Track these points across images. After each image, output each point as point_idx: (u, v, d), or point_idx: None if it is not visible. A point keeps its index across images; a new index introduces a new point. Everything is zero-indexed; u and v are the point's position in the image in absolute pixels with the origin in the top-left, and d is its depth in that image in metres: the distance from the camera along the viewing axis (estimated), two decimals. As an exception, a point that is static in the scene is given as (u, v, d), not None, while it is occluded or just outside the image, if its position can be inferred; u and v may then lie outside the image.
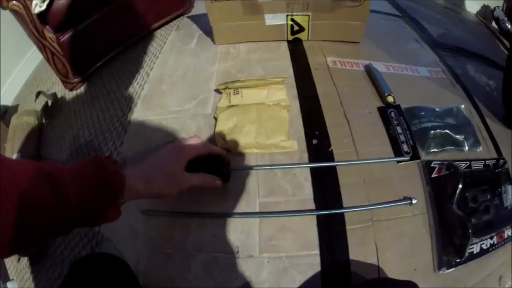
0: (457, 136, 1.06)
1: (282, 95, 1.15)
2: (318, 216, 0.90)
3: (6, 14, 1.37)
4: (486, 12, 2.14)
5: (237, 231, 0.91)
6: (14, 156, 1.35)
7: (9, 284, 1.11)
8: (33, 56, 2.06)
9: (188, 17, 1.83)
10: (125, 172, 0.64)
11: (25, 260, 1.16)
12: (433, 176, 0.98)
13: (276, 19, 1.36)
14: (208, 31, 1.52)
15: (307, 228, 0.89)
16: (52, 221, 0.52)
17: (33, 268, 1.13)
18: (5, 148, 1.42)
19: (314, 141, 1.04)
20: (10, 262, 1.21)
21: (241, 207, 0.95)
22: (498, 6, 2.02)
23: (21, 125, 1.47)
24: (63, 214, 0.53)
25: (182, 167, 0.77)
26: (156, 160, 0.76)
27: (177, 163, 0.77)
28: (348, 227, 0.88)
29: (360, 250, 0.86)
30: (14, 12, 1.32)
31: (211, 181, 0.85)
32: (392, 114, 1.10)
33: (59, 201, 0.52)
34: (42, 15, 1.36)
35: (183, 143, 0.83)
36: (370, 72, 1.25)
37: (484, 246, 0.89)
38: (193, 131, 1.14)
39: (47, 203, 0.51)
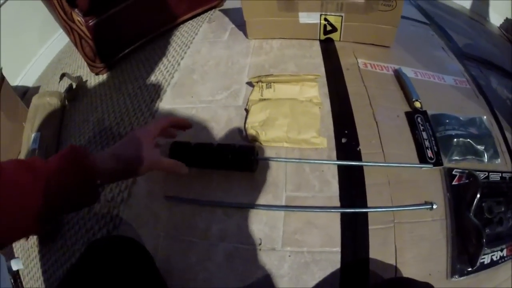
0: (479, 147, 1.08)
1: (315, 92, 1.17)
2: (343, 214, 0.93)
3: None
4: (508, 26, 2.13)
5: (262, 223, 0.93)
6: (33, 136, 1.36)
7: (13, 263, 1.08)
8: (57, 40, 2.10)
9: (220, 10, 1.84)
10: (94, 155, 0.69)
11: (33, 239, 1.16)
12: (453, 183, 1.00)
13: (310, 18, 1.39)
14: (240, 25, 1.54)
15: (331, 225, 0.91)
16: (34, 208, 0.56)
17: (41, 247, 1.13)
18: (24, 127, 1.44)
19: (343, 140, 1.06)
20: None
21: (268, 199, 0.97)
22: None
23: (43, 105, 1.49)
24: (44, 199, 0.57)
25: (149, 141, 0.80)
26: (122, 141, 0.79)
27: (143, 139, 0.79)
28: (370, 227, 0.91)
29: (380, 250, 0.88)
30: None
31: (179, 166, 0.87)
32: (419, 120, 1.12)
33: (39, 186, 0.57)
34: None
35: (148, 126, 0.85)
36: (399, 77, 1.27)
37: (494, 258, 0.91)
38: (223, 122, 1.17)
39: (27, 189, 0.56)
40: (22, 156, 1.34)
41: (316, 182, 0.99)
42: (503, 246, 0.93)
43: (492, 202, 0.97)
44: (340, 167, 1.01)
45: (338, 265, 0.86)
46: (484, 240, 0.87)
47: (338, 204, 0.95)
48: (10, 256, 1.16)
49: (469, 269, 0.89)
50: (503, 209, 0.97)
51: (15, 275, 1.11)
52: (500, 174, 1.05)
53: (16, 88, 1.84)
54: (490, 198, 0.97)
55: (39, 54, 2.07)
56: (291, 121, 1.07)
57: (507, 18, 2.14)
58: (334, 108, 1.16)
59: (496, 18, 2.23)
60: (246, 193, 0.98)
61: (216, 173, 1.02)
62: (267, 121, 1.08)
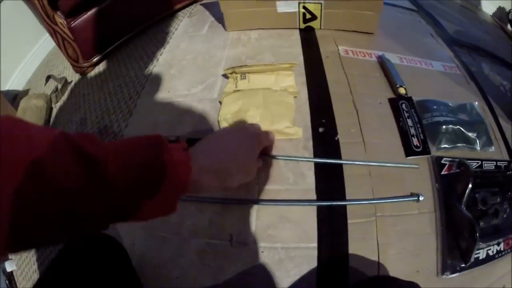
0: (470, 134, 1.02)
1: (290, 82, 1.12)
2: (319, 208, 0.87)
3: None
4: (502, 14, 2.09)
5: (234, 218, 0.89)
6: None
7: (7, 264, 1.09)
8: (46, 42, 2.07)
9: (202, 4, 1.82)
10: (194, 165, 0.54)
11: None
12: (443, 173, 0.94)
13: (288, 7, 1.33)
14: (220, 18, 1.50)
15: (307, 220, 0.86)
16: (81, 213, 0.41)
17: None
18: None
19: (321, 129, 1.01)
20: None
21: (240, 193, 0.92)
22: (513, 9, 1.97)
23: (30, 108, 1.48)
24: (101, 204, 0.43)
25: (256, 157, 0.72)
26: (232, 149, 0.67)
27: (253, 154, 0.71)
28: (349, 221, 0.85)
29: (360, 246, 0.83)
30: (25, -1, 1.30)
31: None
32: (404, 106, 1.07)
33: (96, 187, 0.41)
34: (53, 1, 1.37)
35: (257, 131, 0.78)
36: (382, 63, 1.22)
37: (490, 252, 0.85)
38: (198, 115, 1.13)
39: (75, 188, 0.40)
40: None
41: (290, 175, 0.93)
42: (500, 240, 0.87)
43: (486, 193, 0.90)
44: (316, 156, 0.96)
45: (315, 262, 0.81)
46: (477, 234, 0.80)
47: (314, 197, 0.89)
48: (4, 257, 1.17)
49: (462, 265, 0.83)
50: (498, 200, 0.90)
51: (10, 276, 1.11)
52: (494, 162, 0.99)
53: (7, 93, 1.83)
54: (484, 188, 0.91)
55: (28, 57, 2.05)
56: (263, 111, 1.01)
57: (500, 6, 2.10)
58: (312, 97, 1.10)
59: (488, 7, 2.19)
60: None
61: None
62: (239, 112, 1.03)
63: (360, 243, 0.83)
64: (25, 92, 1.87)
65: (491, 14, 2.17)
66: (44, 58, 2.09)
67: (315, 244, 0.83)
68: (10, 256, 1.16)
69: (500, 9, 2.11)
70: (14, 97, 1.88)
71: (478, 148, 1.02)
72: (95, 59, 1.61)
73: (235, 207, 0.90)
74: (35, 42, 2.06)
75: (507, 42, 1.89)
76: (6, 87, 1.89)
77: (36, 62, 2.07)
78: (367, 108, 1.07)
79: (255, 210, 0.89)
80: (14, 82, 1.94)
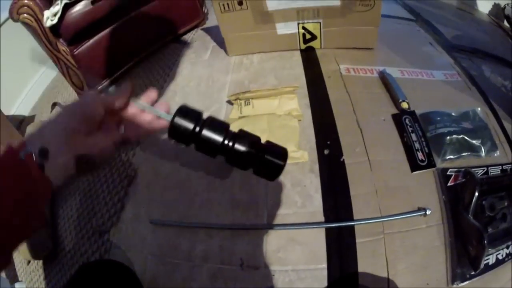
0: (474, 141, 1.03)
1: (294, 105, 1.14)
2: (327, 229, 0.89)
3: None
4: (497, 11, 2.09)
5: (244, 243, 0.91)
6: None
7: (17, 285, 1.13)
8: (51, 66, 2.07)
9: (203, 29, 1.84)
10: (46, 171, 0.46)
11: (35, 263, 1.19)
12: (449, 184, 0.95)
13: (287, 28, 1.36)
14: (222, 42, 1.52)
15: (316, 241, 0.88)
16: None
17: (42, 271, 1.15)
18: None
19: (326, 151, 1.03)
20: (20, 264, 1.24)
21: (249, 218, 0.95)
22: (508, 4, 1.96)
23: None
24: None
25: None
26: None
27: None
28: (358, 240, 0.87)
29: (369, 264, 0.84)
30: (26, 25, 1.34)
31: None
32: (407, 121, 1.08)
33: None
34: (55, 28, 1.38)
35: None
36: (384, 78, 1.24)
37: (500, 256, 0.86)
38: None
39: None
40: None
41: (297, 198, 0.96)
42: (509, 243, 0.88)
43: (493, 199, 0.91)
44: (323, 180, 0.98)
45: (325, 282, 0.83)
46: (485, 242, 0.81)
47: (322, 218, 0.91)
48: (15, 279, 1.21)
49: (472, 272, 0.84)
50: (506, 203, 0.91)
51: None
52: (500, 167, 1.00)
53: (12, 118, 1.85)
54: (491, 194, 0.92)
55: (33, 81, 2.09)
56: (268, 136, 1.01)
57: (495, 3, 2.10)
58: (316, 118, 1.12)
59: (484, 5, 2.19)
60: (227, 213, 0.96)
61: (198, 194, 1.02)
62: (245, 139, 1.04)
63: (369, 261, 0.84)
64: (30, 118, 1.90)
65: (487, 12, 2.17)
66: (48, 84, 2.13)
67: (324, 265, 0.85)
68: (20, 278, 1.22)
69: (496, 6, 2.11)
70: (20, 122, 1.91)
71: (483, 154, 1.03)
72: (99, 88, 1.62)
73: (244, 232, 0.93)
74: (39, 68, 2.10)
75: (505, 38, 1.90)
76: (12, 112, 1.92)
77: (40, 87, 2.11)
78: (371, 125, 1.09)
79: (264, 234, 0.91)
80: (20, 107, 1.97)
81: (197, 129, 0.54)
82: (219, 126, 0.55)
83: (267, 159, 0.55)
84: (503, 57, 1.61)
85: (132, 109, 0.58)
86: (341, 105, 1.15)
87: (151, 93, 0.61)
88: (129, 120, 0.58)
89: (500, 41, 1.85)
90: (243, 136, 0.56)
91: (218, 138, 0.54)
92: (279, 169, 0.56)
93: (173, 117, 0.55)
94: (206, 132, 0.54)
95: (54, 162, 0.47)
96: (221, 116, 1.21)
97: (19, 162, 0.44)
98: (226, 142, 0.54)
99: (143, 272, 0.91)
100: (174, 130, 0.55)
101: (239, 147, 0.54)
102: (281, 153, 0.57)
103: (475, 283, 0.83)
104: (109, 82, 1.64)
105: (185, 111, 0.56)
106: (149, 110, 0.59)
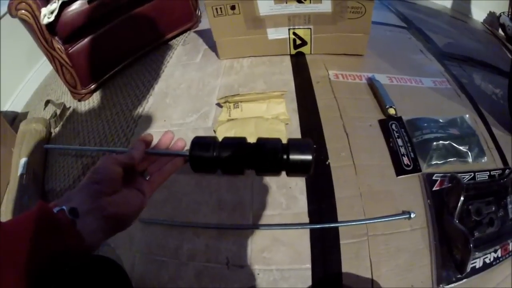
0: (461, 147, 1.04)
1: (281, 109, 1.15)
2: (312, 230, 0.90)
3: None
4: (492, 19, 2.10)
5: (229, 242, 0.92)
6: (22, 161, 1.37)
7: None
8: (45, 64, 2.06)
9: (195, 31, 1.86)
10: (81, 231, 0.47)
11: None
12: (434, 189, 0.96)
13: (278, 33, 1.37)
14: (213, 46, 1.54)
15: (300, 242, 0.89)
16: None
17: None
18: (13, 153, 1.45)
19: (312, 155, 1.03)
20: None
21: (235, 218, 0.95)
22: (503, 12, 1.97)
23: (29, 132, 1.50)
24: None
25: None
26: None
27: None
28: (342, 242, 0.87)
29: (353, 265, 0.85)
30: (23, 21, 1.36)
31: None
32: (393, 127, 1.09)
33: None
34: (51, 26, 1.39)
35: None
36: (372, 85, 1.25)
37: (487, 260, 0.86)
38: None
39: None
40: (12, 180, 1.35)
41: (283, 199, 0.96)
42: (497, 247, 0.89)
43: (480, 203, 0.92)
44: (308, 183, 0.98)
45: (309, 282, 0.84)
46: (471, 245, 0.82)
47: (307, 220, 0.92)
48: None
49: (458, 276, 0.84)
50: (493, 208, 0.92)
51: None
52: (488, 172, 1.01)
53: (6, 114, 1.85)
54: (478, 199, 0.92)
55: (27, 79, 2.08)
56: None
57: (490, 11, 2.11)
58: (303, 123, 1.13)
59: (479, 14, 2.20)
60: (214, 213, 0.97)
61: (186, 195, 1.03)
62: (232, 141, 1.05)
63: (353, 262, 0.85)
64: (24, 114, 1.90)
65: (482, 21, 2.19)
66: (41, 82, 2.13)
67: (308, 265, 0.85)
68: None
69: (491, 14, 2.12)
70: (13, 118, 1.91)
71: (471, 160, 1.04)
72: (92, 86, 1.64)
73: (230, 232, 0.93)
74: (33, 64, 2.10)
75: (499, 47, 1.91)
76: (5, 107, 1.92)
77: (34, 84, 2.11)
78: (357, 131, 1.09)
79: (250, 234, 0.92)
80: (13, 103, 1.97)
81: (215, 153, 0.55)
82: (236, 143, 0.56)
83: (295, 159, 0.55)
84: (495, 65, 1.62)
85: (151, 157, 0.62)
86: (328, 110, 1.16)
87: (167, 135, 0.64)
88: (151, 167, 0.61)
89: (493, 49, 1.86)
90: (263, 144, 0.55)
91: (239, 154, 0.54)
92: (310, 164, 0.55)
93: (190, 152, 0.56)
94: (224, 154, 0.55)
95: (84, 220, 0.48)
96: (211, 118, 1.23)
97: (53, 217, 0.44)
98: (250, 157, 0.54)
99: (131, 270, 0.92)
100: (194, 163, 0.57)
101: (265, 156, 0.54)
102: (307, 147, 0.56)
103: (461, 286, 0.84)
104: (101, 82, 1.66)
105: (198, 143, 0.57)
106: (166, 154, 0.61)
